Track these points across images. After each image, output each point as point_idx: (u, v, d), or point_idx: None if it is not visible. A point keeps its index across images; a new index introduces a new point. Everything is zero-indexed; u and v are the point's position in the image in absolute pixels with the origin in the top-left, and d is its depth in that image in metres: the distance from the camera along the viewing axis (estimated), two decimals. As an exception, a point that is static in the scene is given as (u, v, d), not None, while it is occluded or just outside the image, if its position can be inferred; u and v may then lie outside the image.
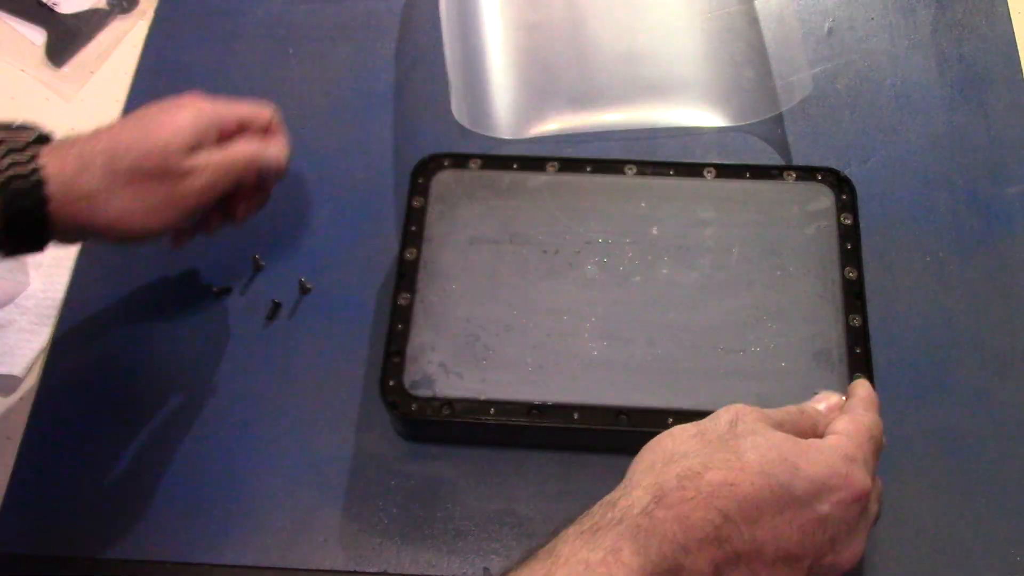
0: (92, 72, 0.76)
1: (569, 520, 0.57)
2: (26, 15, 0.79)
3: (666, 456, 0.45)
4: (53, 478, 0.59)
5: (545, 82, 0.73)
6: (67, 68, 0.76)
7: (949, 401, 0.61)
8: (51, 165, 0.52)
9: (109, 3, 0.79)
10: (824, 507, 0.43)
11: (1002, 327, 0.63)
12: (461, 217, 0.64)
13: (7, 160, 0.51)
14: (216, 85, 0.75)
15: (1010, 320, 0.63)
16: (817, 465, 0.44)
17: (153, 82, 0.75)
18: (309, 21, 0.78)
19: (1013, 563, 0.56)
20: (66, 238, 0.54)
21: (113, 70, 0.76)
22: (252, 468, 0.60)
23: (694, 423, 0.47)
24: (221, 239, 0.67)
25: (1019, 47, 0.74)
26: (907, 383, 0.61)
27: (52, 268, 0.67)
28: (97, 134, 0.54)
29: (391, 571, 0.56)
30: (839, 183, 0.65)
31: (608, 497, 0.45)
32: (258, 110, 0.60)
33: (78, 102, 0.75)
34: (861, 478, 0.45)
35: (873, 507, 0.47)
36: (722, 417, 0.46)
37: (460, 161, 0.66)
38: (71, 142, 0.54)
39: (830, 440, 0.46)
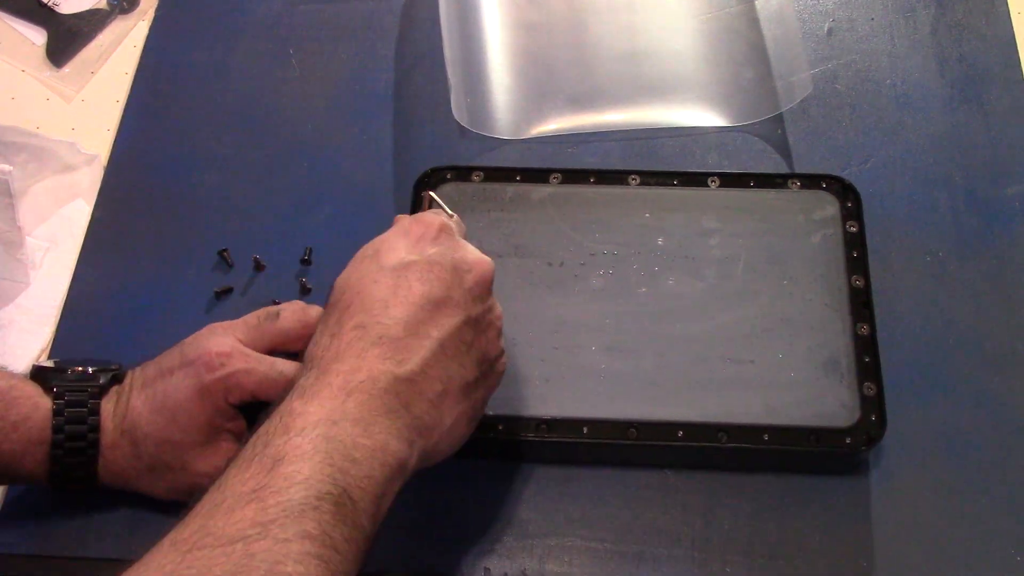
0: (92, 72, 0.76)
1: (568, 522, 0.57)
2: (26, 15, 0.79)
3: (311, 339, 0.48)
4: (53, 478, 0.59)
5: (545, 82, 0.73)
6: (67, 68, 0.76)
7: (949, 401, 0.61)
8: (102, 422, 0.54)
9: (109, 3, 0.79)
10: (422, 253, 0.49)
11: (1002, 327, 0.63)
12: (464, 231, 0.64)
13: (69, 419, 0.53)
14: (216, 85, 0.75)
15: (1010, 320, 0.63)
16: (389, 239, 0.49)
17: (153, 82, 0.75)
18: (309, 21, 0.78)
19: (1013, 563, 0.56)
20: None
21: (113, 70, 0.76)
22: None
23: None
24: (221, 239, 0.67)
25: (1019, 47, 0.74)
26: (907, 383, 0.61)
27: (52, 268, 0.67)
28: (131, 397, 0.55)
29: (391, 571, 0.56)
30: (844, 191, 0.64)
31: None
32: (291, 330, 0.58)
33: (78, 102, 0.75)
34: (428, 215, 0.52)
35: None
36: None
37: (463, 174, 0.66)
38: (114, 403, 0.55)
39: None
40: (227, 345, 0.55)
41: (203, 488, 0.46)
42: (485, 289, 0.49)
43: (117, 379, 0.55)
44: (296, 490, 0.39)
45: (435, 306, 0.47)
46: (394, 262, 0.47)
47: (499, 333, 0.51)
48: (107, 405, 0.54)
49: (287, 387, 0.46)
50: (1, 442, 0.52)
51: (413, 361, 0.45)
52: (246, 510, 0.39)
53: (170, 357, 0.55)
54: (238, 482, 0.40)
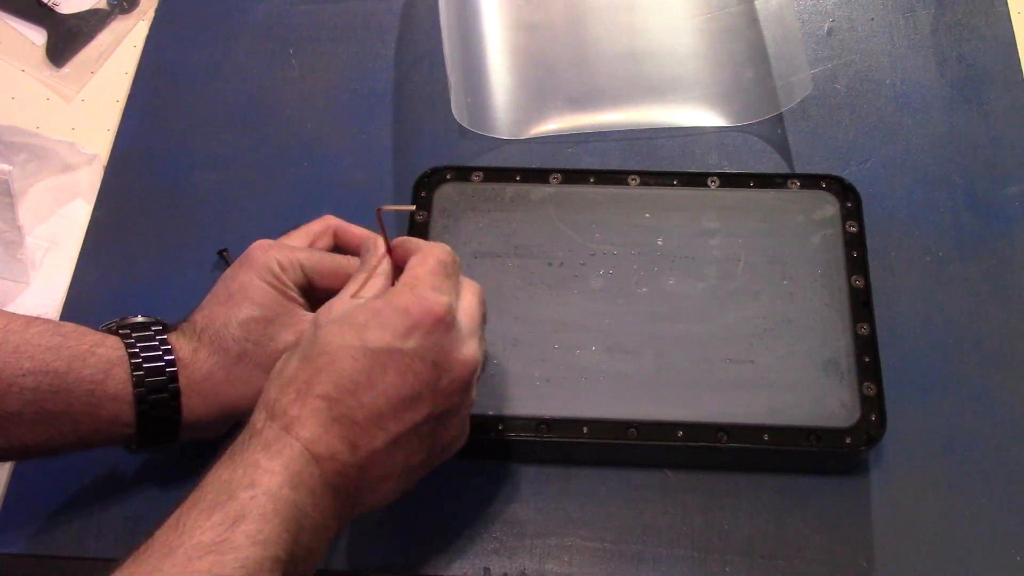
0: (92, 72, 0.76)
1: (568, 522, 0.58)
2: (26, 15, 0.79)
3: (272, 379, 0.48)
4: (53, 478, 0.59)
5: (545, 82, 0.74)
6: (67, 68, 0.77)
7: (949, 401, 0.61)
8: (175, 350, 0.53)
9: (109, 3, 0.79)
10: (409, 343, 0.46)
11: (1002, 327, 0.63)
12: (465, 231, 0.64)
13: (143, 354, 0.52)
14: (216, 85, 0.75)
15: (1010, 320, 0.63)
16: (384, 314, 0.46)
17: (153, 82, 0.75)
18: (309, 21, 0.78)
19: (1013, 563, 0.56)
20: (193, 430, 0.54)
21: (113, 70, 0.76)
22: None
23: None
24: (221, 239, 0.67)
25: (1019, 47, 0.74)
26: (907, 383, 0.61)
27: (52, 268, 0.67)
28: (194, 314, 0.56)
29: (391, 571, 0.56)
30: (844, 191, 0.65)
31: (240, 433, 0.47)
32: (317, 231, 0.60)
33: (78, 102, 0.75)
34: (431, 298, 0.47)
35: (469, 313, 0.50)
36: (308, 326, 0.49)
37: (463, 174, 0.66)
38: (180, 330, 0.55)
39: (393, 289, 0.49)
40: (269, 241, 0.57)
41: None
42: (462, 387, 0.48)
43: (168, 329, 0.55)
44: (255, 550, 0.40)
45: (402, 402, 0.46)
46: (378, 344, 0.46)
47: (466, 416, 0.50)
48: (173, 336, 0.54)
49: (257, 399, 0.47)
50: (93, 392, 0.51)
51: (365, 449, 0.45)
52: (203, 562, 0.40)
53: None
54: (199, 529, 0.41)
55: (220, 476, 0.43)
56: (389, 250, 0.52)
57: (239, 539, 0.40)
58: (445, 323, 0.47)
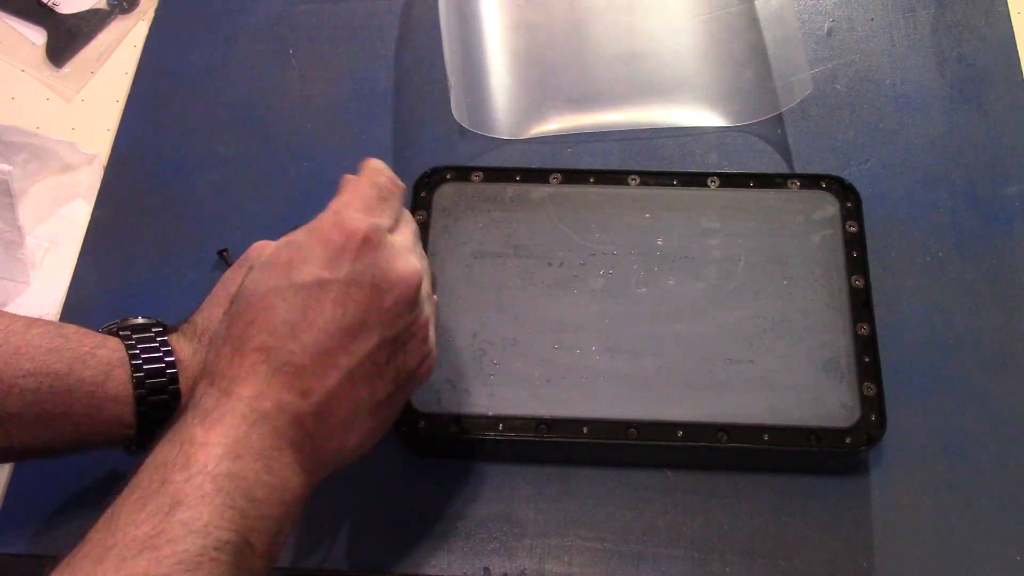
0: (92, 72, 0.76)
1: (568, 522, 0.58)
2: (26, 15, 0.79)
3: (210, 341, 0.46)
4: (53, 478, 0.59)
5: (545, 82, 0.74)
6: (67, 68, 0.77)
7: (949, 401, 0.61)
8: (175, 351, 0.52)
9: (109, 3, 0.79)
10: (341, 271, 0.43)
11: (1002, 327, 0.63)
12: (464, 231, 0.64)
13: (144, 355, 0.51)
14: (216, 85, 0.75)
15: (1010, 320, 0.63)
16: (307, 247, 0.44)
17: (153, 82, 0.75)
18: (309, 21, 0.78)
19: (1013, 563, 0.56)
20: None
21: (113, 70, 0.76)
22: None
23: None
24: (221, 239, 0.67)
25: (1019, 47, 0.74)
26: (906, 383, 0.61)
27: (52, 268, 0.67)
28: (194, 316, 0.54)
29: (391, 571, 0.57)
30: (844, 191, 0.65)
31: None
32: None
33: (78, 102, 0.75)
34: (354, 219, 0.44)
35: (402, 232, 0.47)
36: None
37: (463, 174, 0.66)
38: (186, 326, 0.54)
39: (315, 219, 0.46)
40: (269, 242, 0.55)
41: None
42: (407, 305, 0.45)
43: (168, 330, 0.54)
44: (194, 539, 0.38)
45: (347, 333, 0.43)
46: (307, 278, 0.43)
47: (424, 337, 0.47)
48: (173, 338, 0.53)
49: (188, 397, 0.43)
50: (94, 393, 0.50)
51: (319, 393, 0.43)
52: (139, 561, 0.37)
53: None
54: (132, 523, 0.38)
55: (156, 459, 0.40)
56: None
57: (176, 529, 0.37)
58: (374, 242, 0.44)
